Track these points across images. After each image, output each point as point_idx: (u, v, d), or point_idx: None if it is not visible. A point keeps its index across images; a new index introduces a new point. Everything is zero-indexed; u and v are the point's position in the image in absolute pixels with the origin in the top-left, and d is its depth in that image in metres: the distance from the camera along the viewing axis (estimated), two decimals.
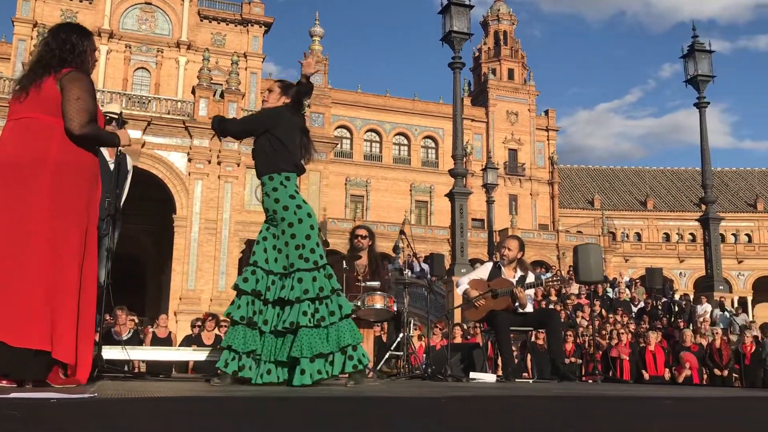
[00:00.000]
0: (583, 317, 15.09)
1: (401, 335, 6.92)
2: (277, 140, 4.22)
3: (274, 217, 4.22)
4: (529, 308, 6.87)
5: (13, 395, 2.12)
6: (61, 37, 3.44)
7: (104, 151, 5.33)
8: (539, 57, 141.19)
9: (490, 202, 25.94)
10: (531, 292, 6.93)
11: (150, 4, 39.57)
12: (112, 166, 5.36)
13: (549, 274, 19.77)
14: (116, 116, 5.45)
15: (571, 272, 19.31)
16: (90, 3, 38.80)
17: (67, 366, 3.17)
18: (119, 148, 4.65)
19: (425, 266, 19.73)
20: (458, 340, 11.36)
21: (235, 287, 4.25)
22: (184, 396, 2.47)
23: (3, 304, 3.02)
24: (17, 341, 2.98)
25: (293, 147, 4.29)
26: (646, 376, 12.32)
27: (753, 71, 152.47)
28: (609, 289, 19.88)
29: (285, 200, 4.17)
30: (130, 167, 5.60)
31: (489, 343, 7.68)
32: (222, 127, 4.55)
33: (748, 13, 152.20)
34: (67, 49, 3.40)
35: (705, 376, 12.77)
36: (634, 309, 17.64)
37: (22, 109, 3.31)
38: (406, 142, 54.00)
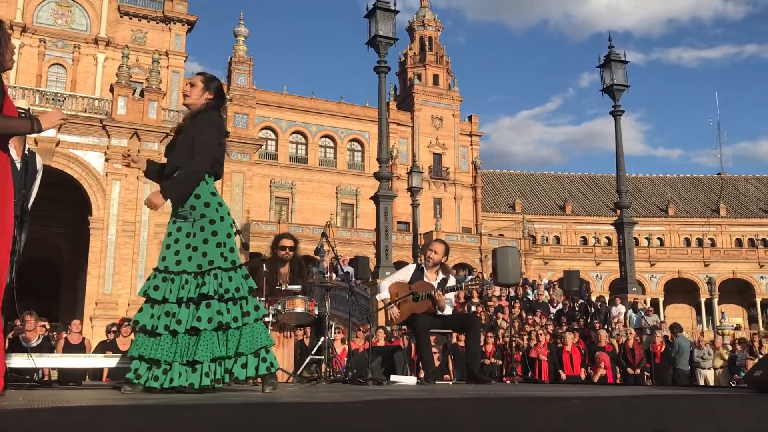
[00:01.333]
0: (503, 319, 15.41)
1: (322, 339, 6.88)
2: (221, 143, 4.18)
3: (188, 214, 4.09)
4: (449, 311, 6.95)
5: None
6: None
7: (11, 150, 5.08)
8: (464, 64, 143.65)
9: (414, 205, 26.17)
10: (452, 295, 7.02)
11: None
12: (19, 165, 5.12)
13: (470, 277, 20.12)
14: (24, 112, 5.21)
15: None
16: None
17: None
18: (28, 144, 4.41)
19: (350, 269, 19.73)
20: (381, 343, 11.40)
21: (144, 294, 4.11)
22: (87, 405, 2.37)
23: None
24: None
25: (217, 147, 4.18)
26: (563, 376, 12.68)
27: (665, 82, 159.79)
28: (529, 291, 20.40)
29: (207, 197, 4.09)
30: (39, 166, 5.36)
31: (411, 346, 7.74)
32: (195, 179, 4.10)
33: (661, 27, 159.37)
34: None
35: (619, 375, 13.24)
36: (553, 310, 18.14)
37: None
38: (332, 144, 53.92)
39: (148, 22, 39.68)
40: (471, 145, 58.17)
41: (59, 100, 29.26)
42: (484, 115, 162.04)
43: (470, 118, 59.34)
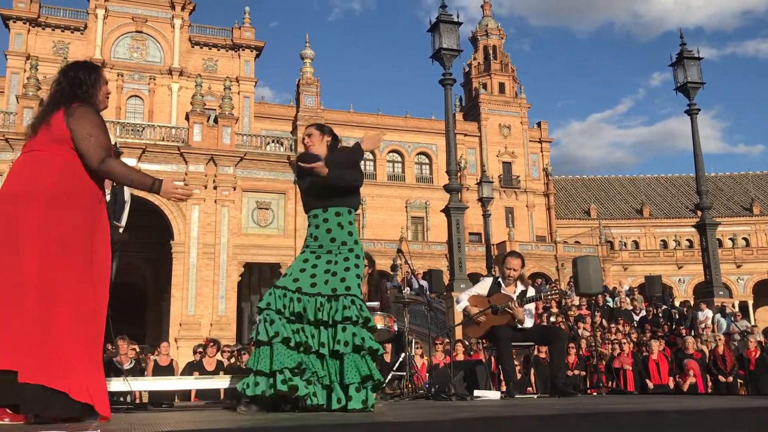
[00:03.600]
0: (584, 328, 15.05)
1: (403, 355, 6.89)
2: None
3: (328, 246, 4.37)
4: (529, 323, 6.85)
5: None
6: (69, 75, 3.55)
7: None
8: (529, 71, 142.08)
9: (486, 215, 25.96)
10: (531, 306, 6.92)
11: (141, 32, 39.80)
12: (108, 197, 5.35)
13: (546, 288, 19.75)
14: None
15: (571, 283, 19.28)
16: (81, 33, 39.01)
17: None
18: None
19: (424, 283, 19.70)
20: (460, 356, 11.32)
21: (268, 305, 4.23)
22: (203, 429, 2.45)
23: (12, 336, 3.03)
24: (30, 376, 2.98)
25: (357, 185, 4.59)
26: (650, 385, 12.28)
27: (742, 77, 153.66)
28: (609, 299, 19.87)
29: (349, 228, 4.46)
30: (127, 197, 5.60)
31: (492, 359, 7.66)
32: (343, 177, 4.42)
33: (734, 19, 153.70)
34: (75, 86, 3.50)
35: (709, 384, 12.71)
36: (635, 318, 17.61)
37: (33, 142, 3.42)
38: (399, 159, 54.13)
39: (218, 50, 40.95)
40: (541, 151, 57.33)
41: (138, 131, 30.49)
42: (553, 120, 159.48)
43: (539, 124, 58.55)
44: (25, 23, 38.11)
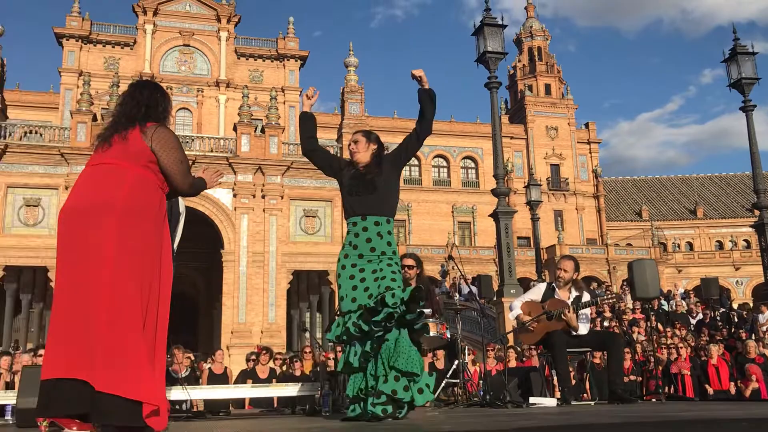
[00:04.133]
0: (639, 332, 14.72)
1: (456, 362, 6.85)
2: (398, 188, 4.67)
3: (369, 255, 4.40)
4: (584, 330, 6.73)
5: None
6: (145, 93, 3.66)
7: None
8: (575, 71, 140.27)
9: (535, 219, 25.65)
10: (587, 311, 6.79)
11: (188, 45, 40.64)
12: None
13: (599, 292, 19.41)
14: None
15: (625, 287, 18.92)
16: (131, 49, 40.03)
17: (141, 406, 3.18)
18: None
19: (473, 288, 19.56)
20: (513, 363, 11.18)
21: (338, 338, 4.36)
22: None
23: (76, 347, 3.11)
24: (103, 386, 3.04)
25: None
26: (710, 391, 11.92)
27: None
28: (664, 302, 19.40)
29: (389, 238, 4.48)
30: (182, 209, 5.69)
31: (545, 365, 7.54)
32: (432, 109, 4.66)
33: None
34: (151, 105, 3.62)
35: None
36: (692, 321, 17.15)
37: (103, 156, 3.50)
38: (445, 163, 53.94)
39: (264, 61, 41.53)
40: (590, 153, 56.44)
41: (188, 143, 31.09)
42: (601, 121, 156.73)
43: (587, 125, 57.69)
44: (77, 41, 39.29)
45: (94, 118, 29.94)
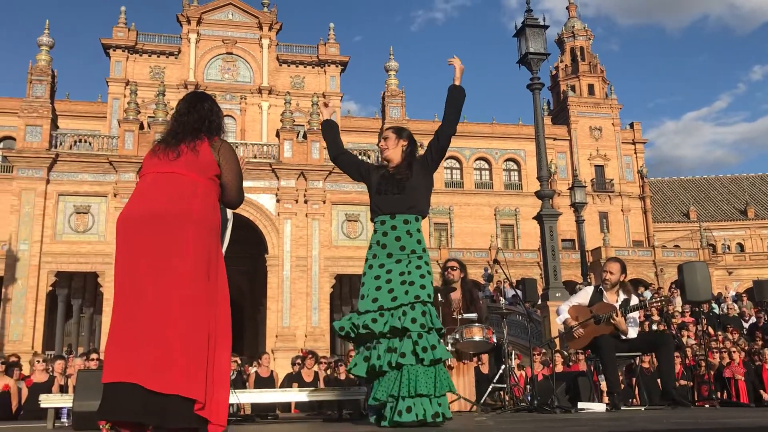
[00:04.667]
0: (689, 336, 14.40)
1: (503, 367, 6.79)
2: (430, 186, 4.56)
3: (398, 254, 4.34)
4: (633, 333, 6.61)
5: None
6: (206, 106, 3.74)
7: None
8: (619, 71, 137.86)
9: (579, 221, 25.31)
10: (635, 314, 6.68)
11: (231, 53, 41.26)
12: None
13: (649, 294, 19.04)
14: None
15: (673, 290, 18.52)
16: (176, 58, 40.83)
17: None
18: None
19: (517, 292, 19.37)
20: (559, 367, 11.05)
21: (348, 335, 4.34)
22: None
23: (152, 352, 3.18)
24: (162, 387, 3.11)
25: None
26: (766, 396, 11.59)
27: None
28: (715, 305, 18.92)
29: (418, 236, 4.42)
30: (230, 216, 5.76)
31: (592, 370, 7.43)
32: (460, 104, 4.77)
33: None
34: (213, 119, 3.71)
35: None
36: (745, 325, 16.68)
37: (171, 165, 3.53)
38: (487, 166, 53.60)
39: (305, 67, 41.93)
40: (635, 153, 55.46)
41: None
42: (646, 121, 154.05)
43: (632, 125, 56.72)
44: (123, 51, 40.23)
45: (141, 127, 30.58)
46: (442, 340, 4.62)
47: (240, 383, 10.41)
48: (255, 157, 31.05)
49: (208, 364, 3.24)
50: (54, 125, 30.58)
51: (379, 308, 4.20)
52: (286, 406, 11.08)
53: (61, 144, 30.02)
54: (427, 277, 4.26)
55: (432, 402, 3.99)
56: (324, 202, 30.98)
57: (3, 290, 28.48)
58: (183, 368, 3.15)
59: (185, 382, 3.13)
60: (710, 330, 15.39)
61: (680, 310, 16.86)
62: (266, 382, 10.71)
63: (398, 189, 4.43)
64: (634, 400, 9.75)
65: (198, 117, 3.66)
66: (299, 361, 11.50)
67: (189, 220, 3.37)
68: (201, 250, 3.38)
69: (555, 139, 53.22)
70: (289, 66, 41.93)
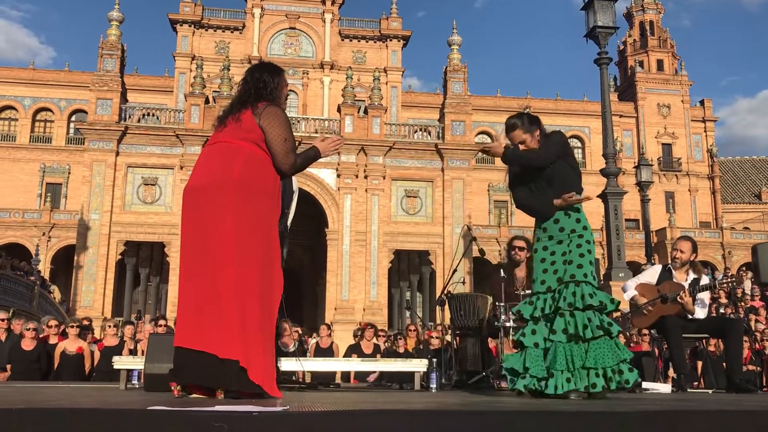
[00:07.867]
0: (757, 320, 13.95)
1: None
2: (573, 167, 4.64)
3: (558, 235, 4.49)
4: (701, 314, 6.43)
5: (217, 408, 2.27)
6: (255, 75, 3.83)
7: None
8: (690, 47, 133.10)
9: (645, 201, 24.65)
10: (705, 296, 6.49)
11: (294, 28, 41.49)
12: None
13: (720, 275, 18.48)
14: None
15: (743, 272, 17.94)
16: (240, 33, 41.30)
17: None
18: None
19: None
20: None
21: (522, 316, 4.45)
22: (395, 409, 2.53)
23: (205, 319, 3.32)
24: (225, 353, 3.26)
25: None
26: None
27: None
28: None
29: (584, 220, 4.55)
30: (295, 187, 5.86)
31: (655, 350, 7.28)
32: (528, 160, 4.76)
33: None
34: (260, 87, 3.77)
35: None
36: None
37: (217, 136, 3.72)
38: None
39: (367, 42, 41.82)
40: (705, 131, 53.54)
41: (294, 124, 31.88)
42: (717, 99, 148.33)
43: (702, 102, 54.70)
44: (190, 26, 40.91)
45: (207, 101, 31.19)
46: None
47: (301, 353, 10.59)
48: (316, 132, 31.32)
49: (257, 333, 3.37)
50: (123, 99, 31.48)
51: (547, 290, 4.38)
52: (344, 377, 11.25)
53: (129, 117, 30.91)
54: (586, 256, 4.39)
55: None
56: (384, 178, 31.07)
57: (75, 258, 29.71)
58: (241, 338, 3.29)
59: (243, 352, 3.27)
60: None
61: (749, 294, 16.33)
62: (326, 352, 10.87)
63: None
64: (699, 383, 9.53)
65: (246, 88, 3.77)
66: (360, 332, 11.63)
67: (226, 187, 3.46)
68: (244, 215, 3.45)
69: (621, 116, 51.76)
70: (351, 41, 41.91)
